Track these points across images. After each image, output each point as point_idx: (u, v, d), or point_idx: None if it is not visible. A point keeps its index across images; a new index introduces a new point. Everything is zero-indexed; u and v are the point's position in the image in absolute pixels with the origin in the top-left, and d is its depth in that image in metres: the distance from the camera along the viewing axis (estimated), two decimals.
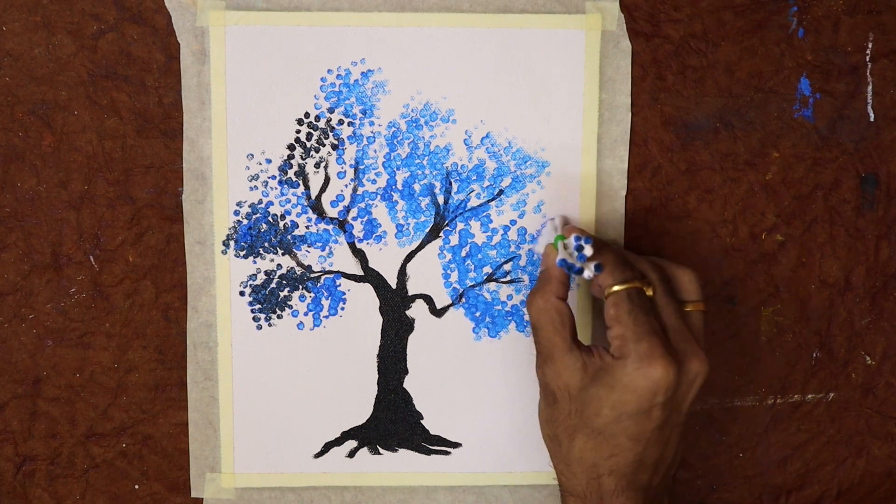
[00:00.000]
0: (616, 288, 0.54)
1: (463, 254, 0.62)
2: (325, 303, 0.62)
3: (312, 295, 0.62)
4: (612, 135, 0.62)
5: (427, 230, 0.62)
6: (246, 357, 0.62)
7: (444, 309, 0.62)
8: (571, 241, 0.55)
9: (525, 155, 0.61)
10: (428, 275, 0.62)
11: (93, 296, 0.62)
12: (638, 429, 0.53)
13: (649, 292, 0.55)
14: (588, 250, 0.54)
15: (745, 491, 0.65)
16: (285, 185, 0.61)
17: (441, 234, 0.62)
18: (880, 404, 0.65)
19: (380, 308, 0.62)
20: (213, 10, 0.59)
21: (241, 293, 0.62)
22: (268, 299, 0.62)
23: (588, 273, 0.54)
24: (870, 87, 0.62)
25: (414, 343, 0.63)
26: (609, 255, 0.55)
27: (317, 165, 0.61)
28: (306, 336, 0.62)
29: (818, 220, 0.63)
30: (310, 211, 0.61)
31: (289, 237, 0.61)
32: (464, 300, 0.62)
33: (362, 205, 0.61)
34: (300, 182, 0.61)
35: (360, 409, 0.63)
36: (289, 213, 0.61)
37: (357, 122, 0.61)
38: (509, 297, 0.63)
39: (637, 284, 0.54)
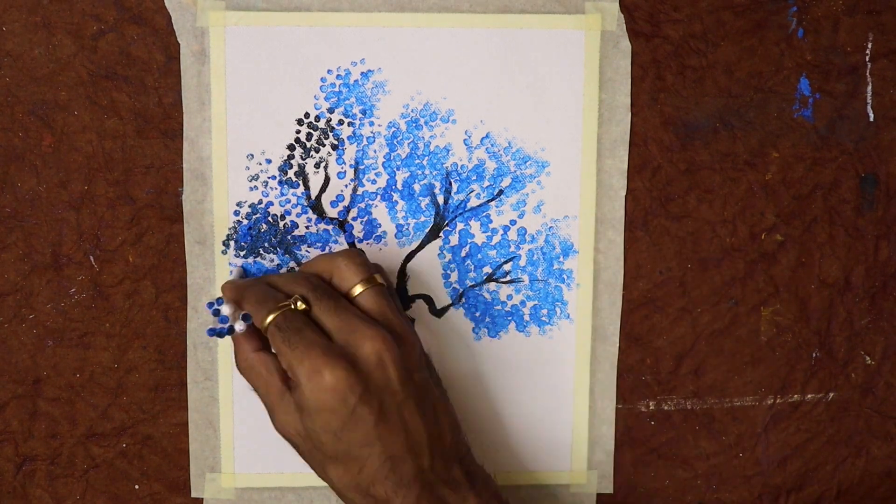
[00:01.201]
0: (265, 322, 0.53)
1: (463, 254, 0.62)
2: None
3: None
4: (612, 135, 0.62)
5: (427, 230, 0.62)
6: None
7: (444, 309, 0.63)
8: (206, 308, 0.54)
9: (525, 155, 0.61)
10: (428, 275, 0.62)
11: (93, 296, 0.62)
12: (360, 435, 0.52)
13: (301, 307, 0.53)
14: (225, 309, 0.54)
15: (744, 491, 0.65)
16: (285, 186, 0.61)
17: (441, 234, 0.62)
18: (880, 404, 0.65)
19: None
20: (213, 11, 0.59)
21: None
22: None
23: (239, 327, 0.54)
24: (869, 87, 0.62)
25: None
26: (251, 295, 0.54)
27: (317, 165, 0.61)
28: None
29: (818, 220, 0.63)
30: (310, 211, 0.61)
31: (289, 237, 0.61)
32: (464, 300, 0.63)
33: (362, 205, 0.61)
34: (300, 182, 0.61)
35: None
36: (289, 213, 0.61)
37: (357, 122, 0.61)
38: (509, 297, 0.63)
39: (283, 309, 0.53)
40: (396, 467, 0.52)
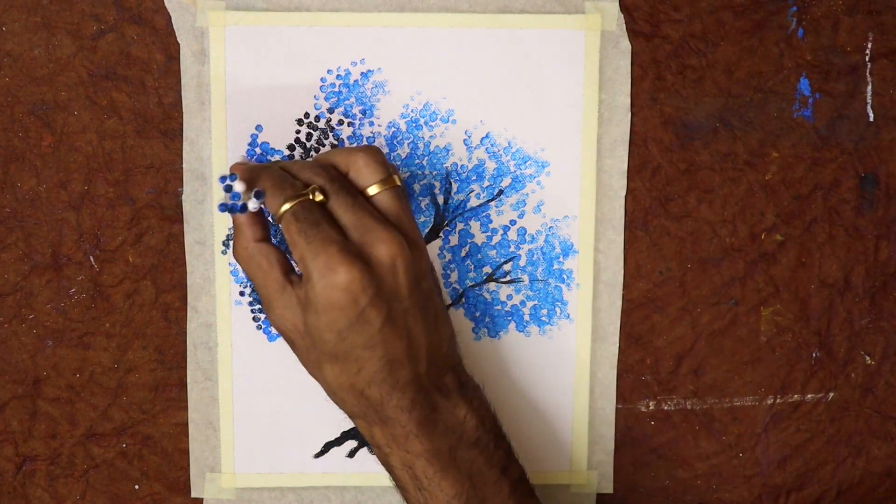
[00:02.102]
0: (282, 210, 0.51)
1: (463, 254, 0.62)
2: None
3: None
4: (612, 135, 0.62)
5: (427, 230, 0.62)
6: (246, 357, 0.62)
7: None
8: (218, 182, 0.52)
9: (525, 155, 0.61)
10: None
11: (93, 296, 0.62)
12: (364, 337, 0.51)
13: (319, 198, 0.52)
14: (238, 185, 0.51)
15: (744, 491, 0.65)
16: None
17: (441, 234, 0.62)
18: (880, 404, 0.65)
19: None
20: (212, 11, 0.59)
21: (241, 293, 0.62)
22: None
23: (252, 205, 0.52)
24: (869, 87, 0.62)
25: None
26: (267, 178, 0.52)
27: None
28: None
29: (818, 220, 0.63)
30: None
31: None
32: (463, 300, 0.63)
33: None
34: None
35: None
36: None
37: (357, 122, 0.61)
38: (509, 297, 0.63)
39: (301, 198, 0.51)
40: (394, 371, 0.52)
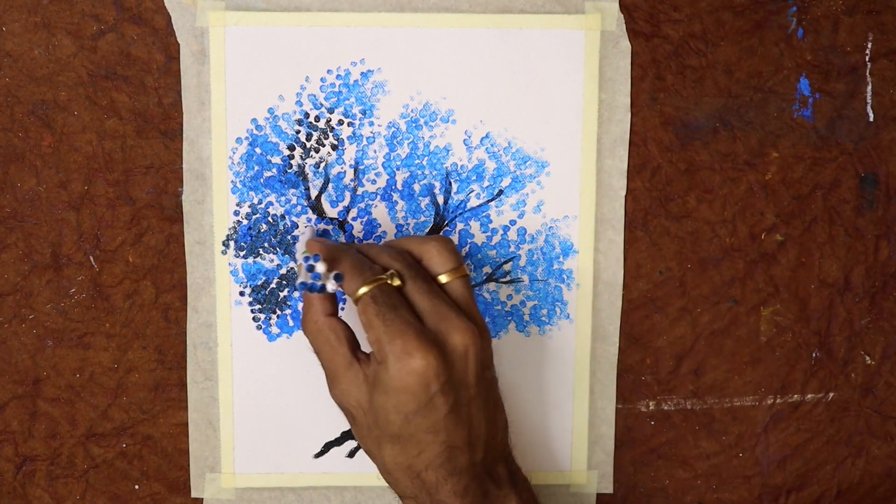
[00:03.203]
0: (360, 292, 0.52)
1: (463, 254, 0.62)
2: None
3: None
4: (612, 135, 0.62)
5: (427, 230, 0.62)
6: (246, 357, 0.62)
7: None
8: (301, 262, 0.53)
9: (525, 155, 0.61)
10: None
11: (93, 296, 0.62)
12: (430, 422, 0.52)
13: (396, 283, 0.53)
14: (320, 267, 0.52)
15: (744, 491, 0.65)
16: (285, 186, 0.61)
17: (441, 234, 0.62)
18: (880, 404, 0.65)
19: None
20: (212, 11, 0.59)
21: (241, 293, 0.62)
22: (268, 299, 0.62)
23: (331, 287, 0.53)
24: (869, 87, 0.62)
25: None
26: (346, 261, 0.53)
27: (317, 165, 0.61)
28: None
29: (818, 220, 0.63)
30: (310, 211, 0.61)
31: (289, 237, 0.61)
32: None
33: (362, 205, 0.61)
34: (300, 182, 0.61)
35: None
36: (289, 213, 0.61)
37: (357, 122, 0.61)
38: (509, 297, 0.63)
39: (379, 281, 0.53)
40: (453, 457, 0.53)
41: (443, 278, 0.55)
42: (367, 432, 0.54)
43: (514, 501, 0.55)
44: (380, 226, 0.62)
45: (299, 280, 0.53)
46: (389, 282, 0.53)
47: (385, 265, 0.54)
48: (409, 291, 0.53)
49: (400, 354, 0.51)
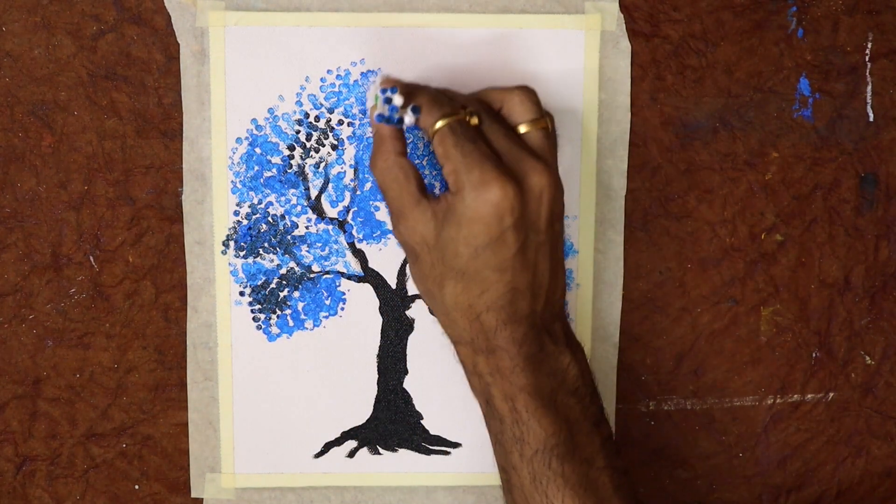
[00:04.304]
0: (438, 125, 0.52)
1: None
2: (325, 303, 0.62)
3: (312, 295, 0.62)
4: (612, 135, 0.62)
5: None
6: (246, 357, 0.62)
7: None
8: (379, 94, 0.53)
9: None
10: None
11: (93, 296, 0.62)
12: (498, 258, 0.52)
13: (474, 121, 0.53)
14: (397, 99, 0.52)
15: (744, 491, 0.65)
16: (285, 185, 0.61)
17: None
18: (880, 404, 0.65)
19: (379, 308, 0.62)
20: (212, 11, 0.59)
21: (241, 293, 0.62)
22: (268, 299, 0.62)
23: (408, 119, 0.52)
24: (869, 87, 0.62)
25: (414, 343, 0.63)
26: (424, 96, 0.53)
27: (317, 165, 0.61)
28: (306, 336, 0.62)
29: (818, 220, 0.63)
30: (310, 211, 0.61)
31: (289, 237, 0.61)
32: None
33: (362, 205, 0.61)
34: (300, 182, 0.61)
35: (360, 409, 0.63)
36: (289, 213, 0.61)
37: (357, 122, 0.61)
38: None
39: (458, 116, 0.52)
40: (515, 301, 0.53)
41: (522, 128, 0.54)
42: (430, 270, 0.54)
43: (568, 359, 0.54)
44: (380, 226, 0.62)
45: (377, 112, 0.53)
46: (468, 119, 0.53)
47: (463, 104, 0.54)
48: (487, 132, 0.53)
49: (477, 184, 0.51)
